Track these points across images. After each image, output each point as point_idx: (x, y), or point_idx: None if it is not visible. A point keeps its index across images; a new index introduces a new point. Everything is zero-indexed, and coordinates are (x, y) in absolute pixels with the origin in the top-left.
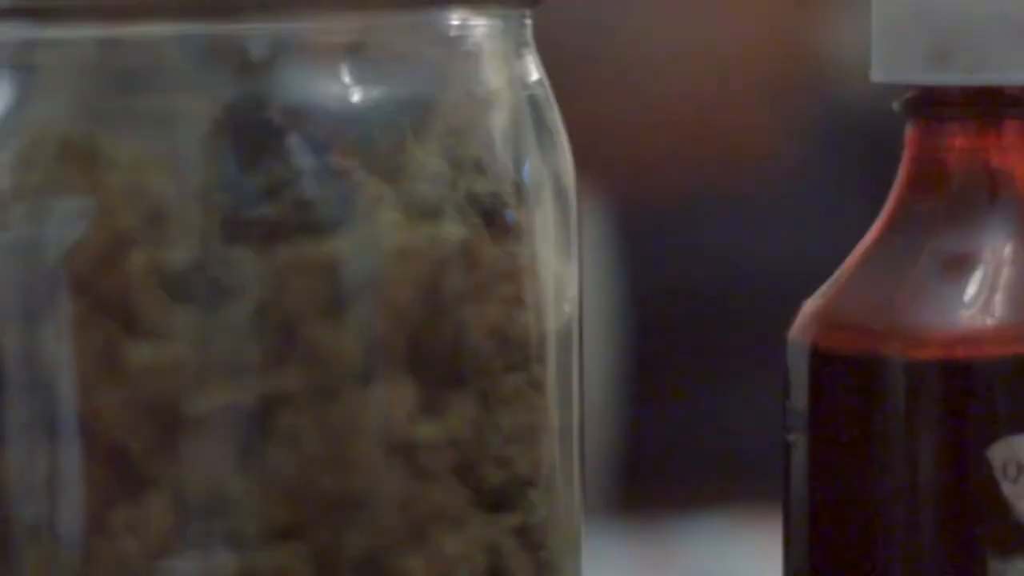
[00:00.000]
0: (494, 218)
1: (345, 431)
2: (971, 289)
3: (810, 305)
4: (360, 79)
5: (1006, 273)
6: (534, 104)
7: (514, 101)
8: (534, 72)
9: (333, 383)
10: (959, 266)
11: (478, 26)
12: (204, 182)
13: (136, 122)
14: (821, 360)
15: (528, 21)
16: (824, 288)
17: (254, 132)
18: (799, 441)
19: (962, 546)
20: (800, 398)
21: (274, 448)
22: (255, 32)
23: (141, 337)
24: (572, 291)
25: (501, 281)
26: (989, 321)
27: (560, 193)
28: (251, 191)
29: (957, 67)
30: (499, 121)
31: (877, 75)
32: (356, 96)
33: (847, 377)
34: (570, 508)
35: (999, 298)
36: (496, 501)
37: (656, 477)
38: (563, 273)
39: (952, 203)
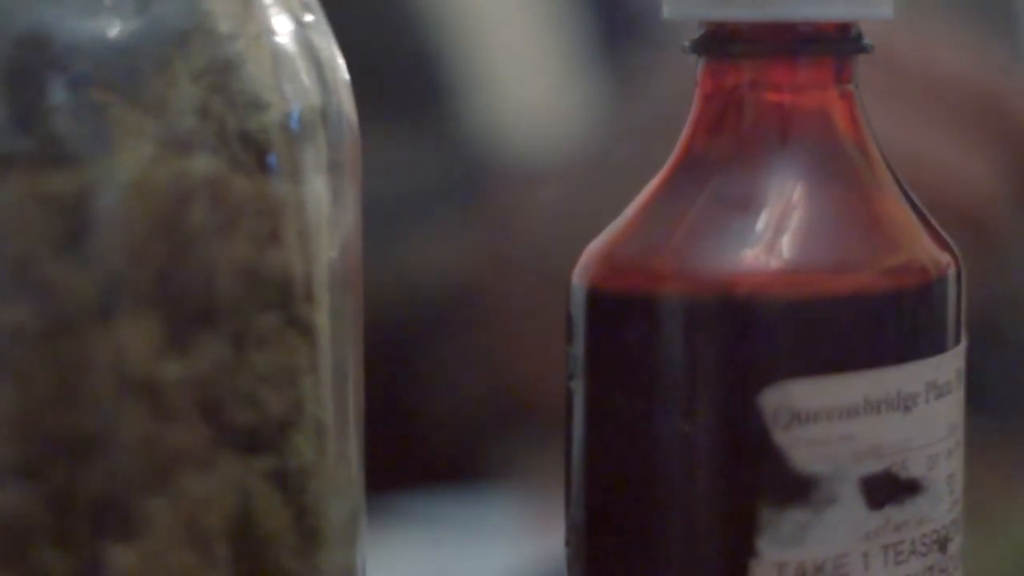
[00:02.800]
0: (256, 155)
1: (80, 368)
2: (752, 229)
3: (591, 247)
4: (123, 11)
5: (791, 215)
6: (308, 41)
7: (288, 37)
8: (311, 8)
9: (68, 318)
10: (742, 206)
11: None
12: None
13: None
14: (598, 302)
15: None
16: (607, 230)
17: (10, 68)
18: (577, 387)
19: (735, 495)
20: (579, 342)
21: (5, 385)
22: None
23: None
24: (348, 230)
25: (254, 218)
26: (767, 262)
27: (335, 131)
28: (4, 126)
29: (747, 2)
30: (269, 57)
31: (667, 11)
32: (119, 29)
33: (623, 318)
34: (343, 454)
35: (780, 240)
36: (248, 443)
37: None
38: (338, 213)
39: (741, 143)
